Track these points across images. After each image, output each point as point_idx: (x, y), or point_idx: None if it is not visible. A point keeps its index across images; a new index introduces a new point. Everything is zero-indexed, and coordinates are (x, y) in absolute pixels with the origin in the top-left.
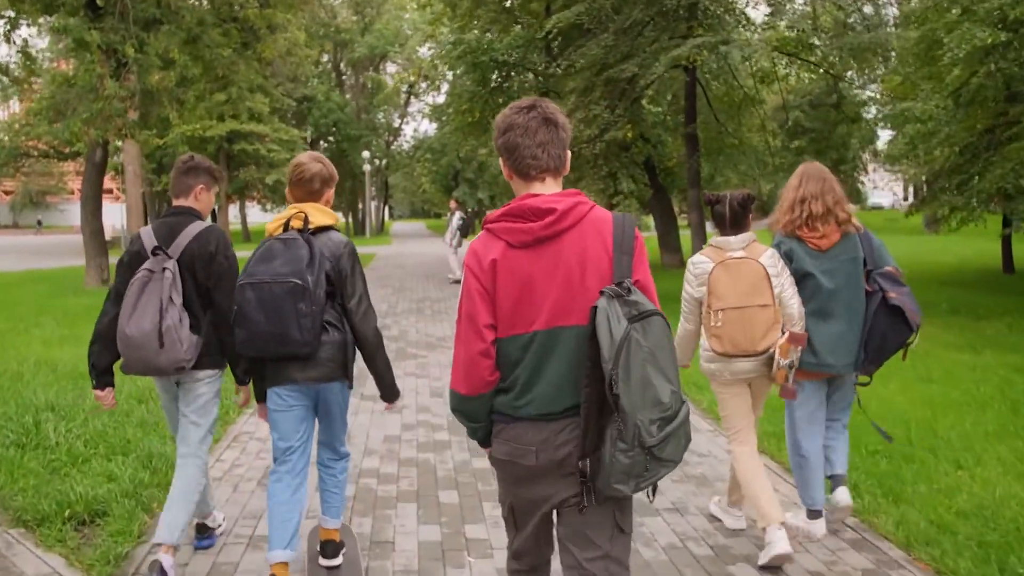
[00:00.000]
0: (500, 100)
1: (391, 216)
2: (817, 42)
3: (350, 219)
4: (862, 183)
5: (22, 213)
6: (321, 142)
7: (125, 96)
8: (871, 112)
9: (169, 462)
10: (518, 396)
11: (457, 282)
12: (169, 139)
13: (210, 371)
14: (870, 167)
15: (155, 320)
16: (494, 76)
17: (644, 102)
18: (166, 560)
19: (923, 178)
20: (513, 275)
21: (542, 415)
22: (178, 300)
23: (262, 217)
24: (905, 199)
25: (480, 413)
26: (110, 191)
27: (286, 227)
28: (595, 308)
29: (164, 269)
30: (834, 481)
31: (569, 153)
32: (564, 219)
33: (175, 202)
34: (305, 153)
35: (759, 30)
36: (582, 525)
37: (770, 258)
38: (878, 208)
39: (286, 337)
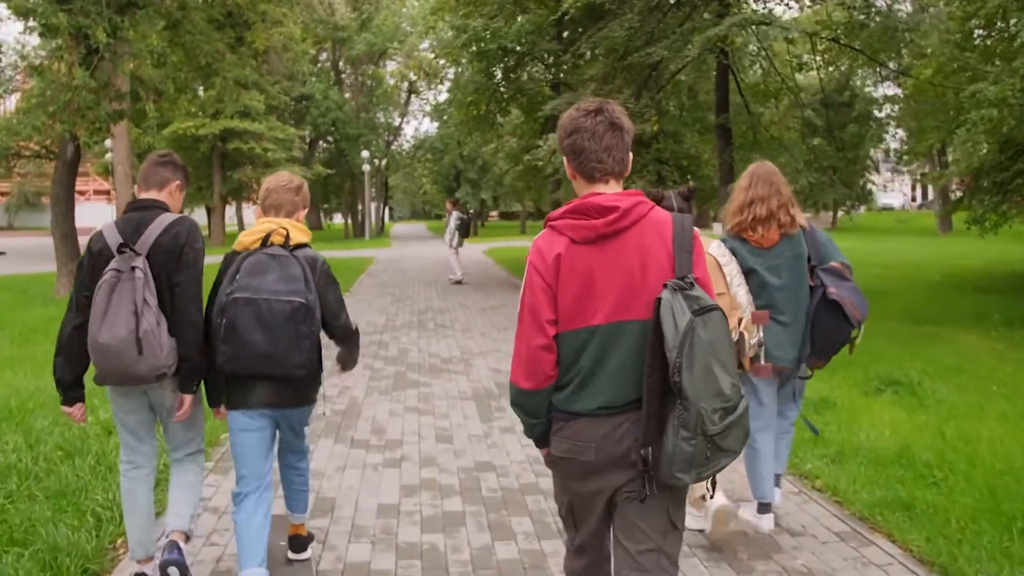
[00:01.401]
0: (507, 94)
1: (391, 217)
2: (866, 19)
3: (349, 221)
4: (873, 183)
5: (17, 215)
6: (320, 142)
7: (97, 87)
8: (883, 110)
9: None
10: (577, 391)
11: (459, 282)
12: (160, 137)
13: None
14: (882, 167)
15: (130, 325)
16: (501, 67)
17: (658, 96)
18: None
19: (961, 177)
20: (575, 270)
21: (602, 408)
22: (153, 302)
23: (248, 220)
24: (913, 199)
25: (540, 409)
26: (107, 192)
27: (264, 242)
28: (659, 300)
29: (133, 268)
30: (763, 508)
31: (631, 155)
32: (626, 217)
33: (143, 194)
34: (283, 173)
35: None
36: (637, 518)
37: (718, 248)
38: (888, 209)
39: (285, 359)
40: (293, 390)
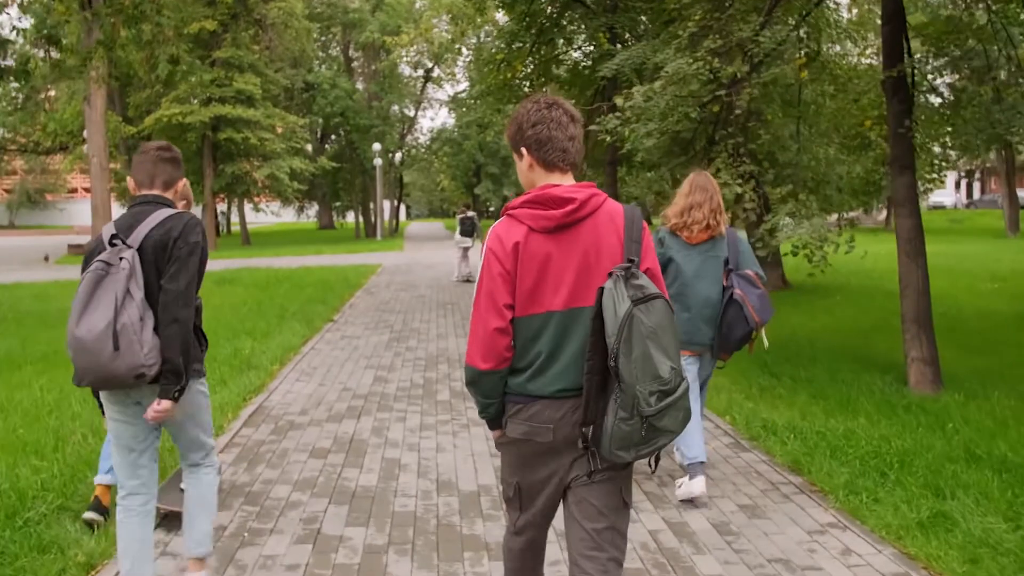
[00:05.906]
0: (546, 56)
1: (408, 215)
2: None
3: (360, 219)
4: (931, 181)
5: (18, 213)
6: (332, 135)
7: None
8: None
9: None
10: (536, 375)
11: (469, 280)
12: (146, 125)
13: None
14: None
15: (108, 318)
16: (543, 14)
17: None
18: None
19: None
20: (534, 258)
21: (560, 391)
22: (138, 295)
23: (252, 218)
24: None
25: (495, 389)
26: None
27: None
28: (602, 289)
29: (121, 259)
30: (692, 470)
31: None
32: (583, 208)
33: (145, 191)
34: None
35: None
36: (592, 497)
37: None
38: (939, 208)
39: None
40: None
